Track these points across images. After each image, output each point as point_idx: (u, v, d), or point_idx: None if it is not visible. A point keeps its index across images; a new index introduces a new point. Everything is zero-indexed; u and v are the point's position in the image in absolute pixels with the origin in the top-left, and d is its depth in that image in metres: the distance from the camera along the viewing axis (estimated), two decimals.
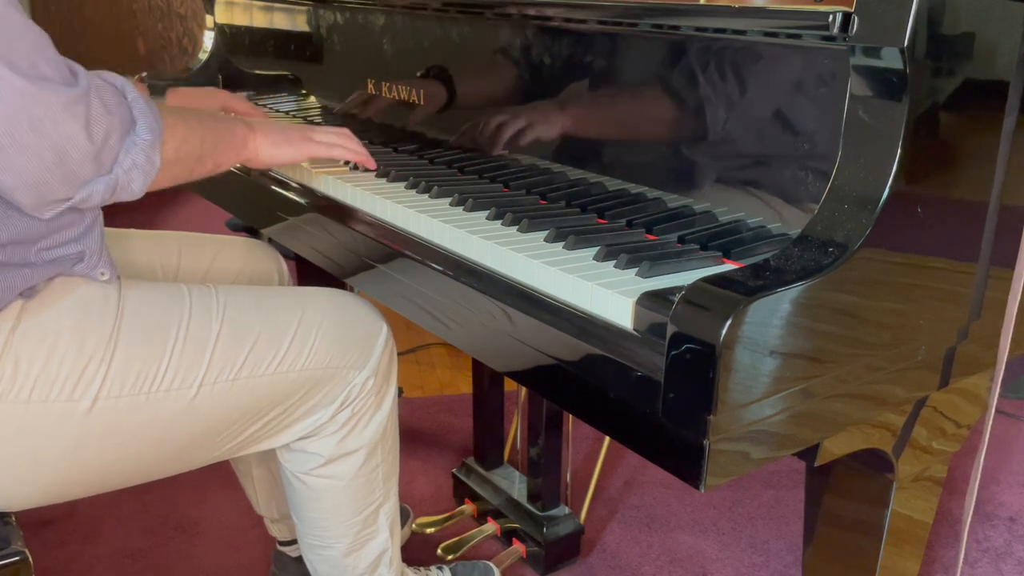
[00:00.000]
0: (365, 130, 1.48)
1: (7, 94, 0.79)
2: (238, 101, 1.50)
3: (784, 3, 0.89)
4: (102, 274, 0.99)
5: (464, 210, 1.09)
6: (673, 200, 1.01)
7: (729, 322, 0.68)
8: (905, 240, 0.80)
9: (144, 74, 1.62)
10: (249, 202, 1.46)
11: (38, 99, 0.80)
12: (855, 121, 0.79)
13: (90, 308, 0.97)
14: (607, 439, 1.74)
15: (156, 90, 1.46)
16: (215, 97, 1.51)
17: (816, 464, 0.84)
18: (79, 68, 0.86)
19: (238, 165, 1.12)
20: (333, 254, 1.22)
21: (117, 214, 1.02)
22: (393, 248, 1.07)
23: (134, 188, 0.90)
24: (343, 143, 1.23)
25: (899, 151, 0.76)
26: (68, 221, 0.94)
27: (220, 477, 1.78)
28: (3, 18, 0.80)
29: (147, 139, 0.89)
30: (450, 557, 1.53)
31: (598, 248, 0.91)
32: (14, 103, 0.79)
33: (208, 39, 1.98)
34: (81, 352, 0.94)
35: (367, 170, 1.29)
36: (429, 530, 1.63)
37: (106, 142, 0.86)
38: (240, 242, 1.39)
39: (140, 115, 0.89)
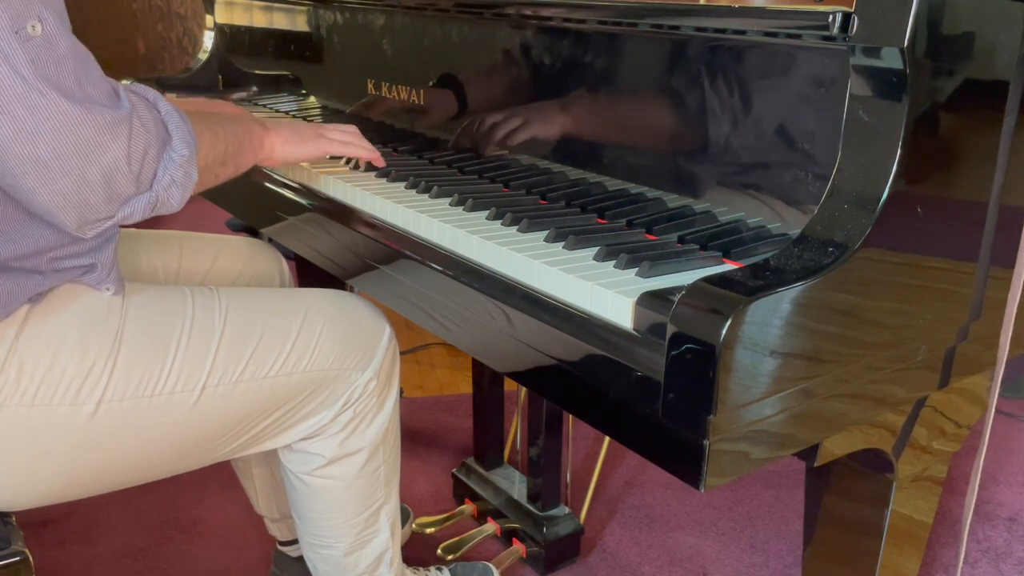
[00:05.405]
0: (365, 130, 1.47)
1: (56, 117, 0.79)
2: (227, 107, 1.49)
3: (784, 3, 0.89)
4: (107, 289, 0.99)
5: (464, 210, 1.09)
6: (673, 200, 1.02)
7: (729, 322, 0.68)
8: (905, 240, 0.80)
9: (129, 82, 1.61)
10: (249, 202, 1.46)
11: (86, 121, 0.80)
12: (855, 121, 0.79)
13: (94, 313, 0.97)
14: (607, 439, 1.74)
15: None
16: (209, 108, 1.49)
17: (816, 464, 0.84)
18: (120, 87, 0.87)
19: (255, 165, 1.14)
20: (333, 254, 1.22)
21: None
22: (393, 248, 1.07)
23: (173, 203, 0.91)
24: (354, 140, 1.24)
25: (899, 151, 0.76)
26: None
27: (220, 477, 1.78)
28: (53, 39, 0.79)
29: (184, 155, 0.90)
30: (450, 557, 1.53)
31: (598, 248, 0.91)
32: (63, 126, 0.80)
33: (208, 39, 1.98)
34: (85, 356, 0.94)
35: (369, 169, 1.29)
36: (429, 530, 1.63)
37: (144, 160, 0.86)
38: (241, 242, 1.39)
39: (175, 130, 0.90)
